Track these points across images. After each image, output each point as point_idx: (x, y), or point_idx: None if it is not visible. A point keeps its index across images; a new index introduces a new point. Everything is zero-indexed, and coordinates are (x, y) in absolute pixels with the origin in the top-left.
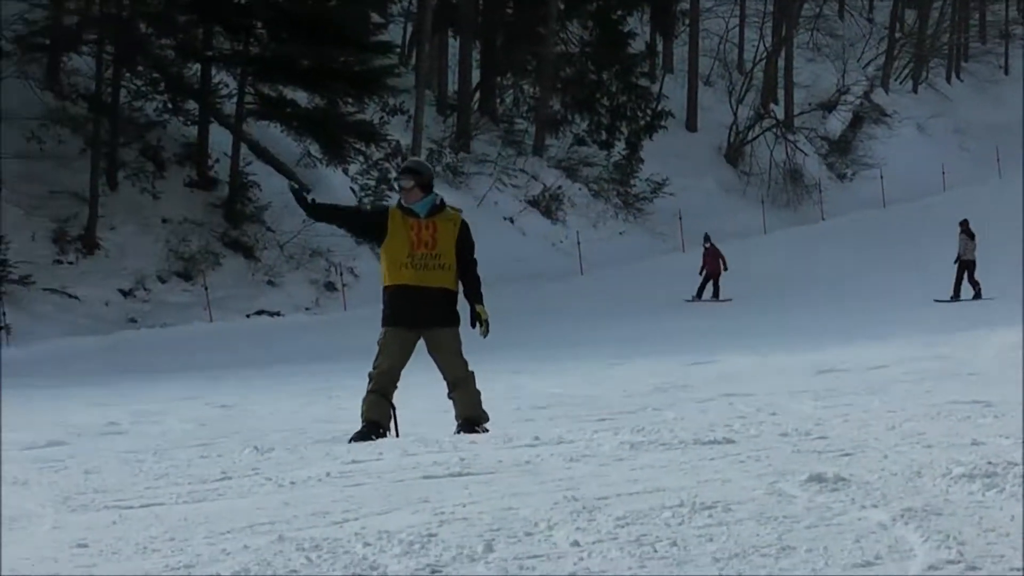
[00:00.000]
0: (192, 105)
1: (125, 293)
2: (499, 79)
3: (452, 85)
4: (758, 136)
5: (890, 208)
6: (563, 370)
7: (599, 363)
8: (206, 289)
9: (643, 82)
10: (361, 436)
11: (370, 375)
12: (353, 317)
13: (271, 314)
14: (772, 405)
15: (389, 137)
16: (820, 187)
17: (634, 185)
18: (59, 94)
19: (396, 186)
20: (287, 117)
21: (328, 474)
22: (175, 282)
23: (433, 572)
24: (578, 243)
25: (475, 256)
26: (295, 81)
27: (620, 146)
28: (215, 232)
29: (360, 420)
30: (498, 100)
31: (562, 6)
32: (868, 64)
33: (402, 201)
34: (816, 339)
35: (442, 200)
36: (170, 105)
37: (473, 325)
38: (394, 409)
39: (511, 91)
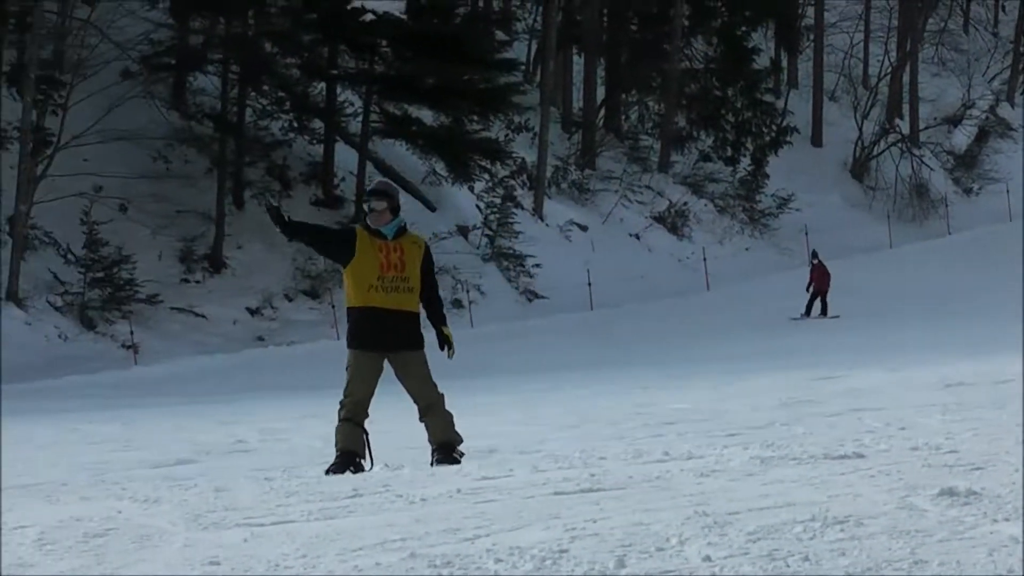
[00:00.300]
0: (317, 124)
1: (252, 311)
2: (624, 96)
3: (577, 102)
4: (884, 151)
5: (1016, 222)
6: (691, 386)
7: (726, 378)
8: (333, 307)
9: (768, 98)
10: (339, 467)
11: (342, 403)
12: (480, 335)
13: None
14: (901, 419)
15: (514, 155)
16: (946, 201)
17: (760, 201)
18: (185, 114)
19: (367, 206)
20: (412, 135)
21: (459, 491)
22: (302, 300)
23: None
24: (704, 259)
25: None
26: (420, 99)
27: (745, 162)
28: None
29: (335, 450)
30: (623, 117)
31: (687, 23)
32: (993, 78)
33: (370, 223)
34: (943, 353)
35: (405, 223)
36: (296, 124)
37: (441, 348)
38: (367, 435)
39: (636, 108)
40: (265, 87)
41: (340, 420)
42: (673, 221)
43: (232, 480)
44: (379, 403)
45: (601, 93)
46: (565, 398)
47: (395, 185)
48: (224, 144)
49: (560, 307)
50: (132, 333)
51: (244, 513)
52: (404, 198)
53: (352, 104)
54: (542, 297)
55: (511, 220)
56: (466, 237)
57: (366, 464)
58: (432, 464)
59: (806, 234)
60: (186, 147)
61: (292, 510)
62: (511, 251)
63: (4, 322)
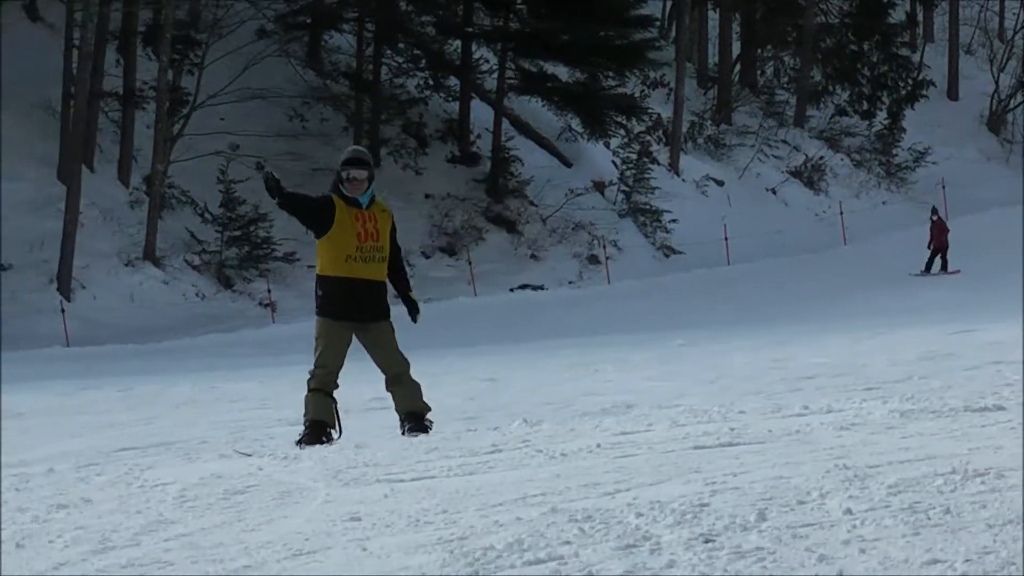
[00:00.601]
0: (453, 81)
1: None
2: (759, 51)
3: (712, 57)
4: (1020, 104)
5: None
6: (828, 340)
7: (863, 333)
8: (470, 264)
9: (903, 52)
10: (313, 438)
11: (314, 372)
12: (616, 291)
13: (534, 288)
14: None
15: (650, 110)
16: None
17: (896, 155)
18: (320, 72)
19: (344, 175)
20: (548, 92)
21: (598, 445)
22: (439, 257)
23: (706, 541)
24: (840, 213)
25: None
26: (555, 56)
27: (881, 116)
28: (478, 207)
29: (304, 419)
30: (758, 72)
31: None
32: None
33: (346, 191)
34: None
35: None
36: (431, 82)
37: (411, 313)
38: (336, 404)
39: (771, 63)
40: (400, 45)
41: (311, 390)
42: (809, 176)
43: (371, 437)
44: (520, 360)
45: (736, 48)
46: (702, 353)
47: (368, 153)
48: (360, 102)
49: (697, 262)
50: (269, 291)
51: (384, 469)
52: (540, 154)
53: (487, 61)
54: (679, 252)
55: (647, 176)
56: (602, 193)
57: (335, 433)
58: (403, 433)
59: (943, 188)
60: (322, 105)
61: (432, 466)
62: (647, 207)
63: (143, 281)
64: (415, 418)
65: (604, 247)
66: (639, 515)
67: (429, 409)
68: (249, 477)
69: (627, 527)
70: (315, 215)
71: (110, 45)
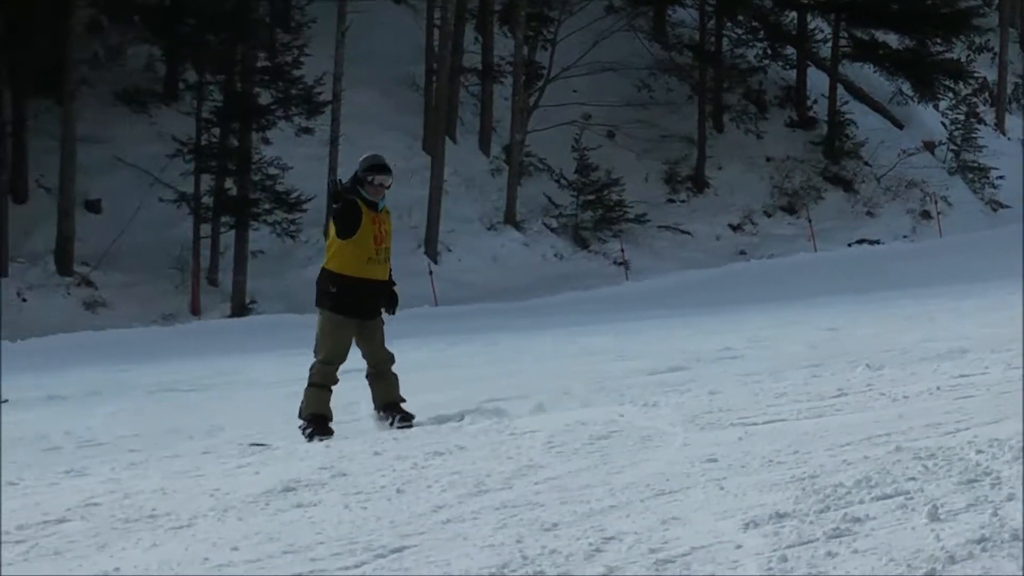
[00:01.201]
0: (790, 50)
1: (734, 228)
2: None
3: None
4: None
5: None
6: None
7: None
8: (809, 221)
9: None
10: (321, 431)
11: (320, 369)
12: (948, 244)
13: (871, 242)
14: None
15: (976, 74)
16: None
17: None
18: (666, 45)
19: (370, 180)
20: (879, 58)
21: (938, 388)
22: (780, 216)
23: None
24: None
25: None
26: (886, 24)
27: None
28: (815, 168)
29: (304, 413)
30: None
31: None
32: None
33: (368, 195)
34: None
35: None
36: (769, 51)
37: (391, 305)
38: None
39: None
40: (740, 17)
41: (315, 385)
42: None
43: (723, 384)
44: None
45: None
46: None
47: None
48: (703, 72)
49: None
50: (623, 251)
51: (738, 413)
52: (874, 117)
53: (822, 31)
54: (1006, 207)
55: (974, 135)
56: (932, 152)
57: (332, 425)
58: (391, 425)
59: None
60: (667, 76)
61: (782, 410)
62: (975, 164)
63: (505, 243)
64: (392, 408)
65: (935, 203)
66: (979, 452)
67: (404, 400)
68: (611, 424)
69: (968, 463)
70: (356, 219)
71: (469, 24)
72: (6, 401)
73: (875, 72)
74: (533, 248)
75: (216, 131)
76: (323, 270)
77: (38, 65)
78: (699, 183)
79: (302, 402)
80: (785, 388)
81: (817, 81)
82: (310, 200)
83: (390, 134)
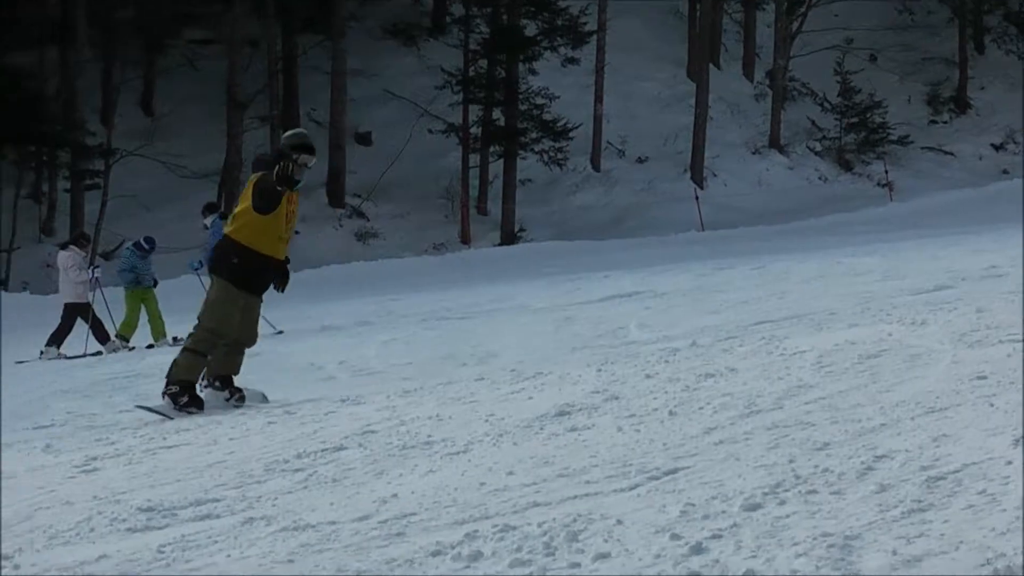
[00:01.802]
0: None
1: (996, 147)
2: None
3: None
4: None
5: None
6: None
7: None
8: None
9: None
10: (194, 401)
11: (204, 335)
12: None
13: None
14: None
15: None
16: None
17: None
18: None
19: (299, 160)
20: None
21: None
22: None
23: None
24: None
25: None
26: None
27: None
28: None
29: (177, 380)
30: None
31: None
32: None
33: (295, 176)
34: None
35: None
36: None
37: (281, 285)
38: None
39: None
40: None
41: (192, 351)
42: None
43: (990, 302)
44: None
45: None
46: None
47: None
48: None
49: None
50: (886, 172)
51: (1006, 331)
52: None
53: None
54: None
55: None
56: None
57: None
58: (229, 400)
59: None
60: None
61: None
62: None
63: (769, 167)
64: (226, 381)
65: None
66: None
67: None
68: (880, 343)
69: None
70: (280, 196)
71: None
72: (280, 332)
73: None
74: (797, 171)
75: (483, 63)
76: (227, 237)
77: (308, 2)
78: (961, 104)
79: (172, 367)
80: None
81: None
82: (577, 127)
83: (655, 63)
